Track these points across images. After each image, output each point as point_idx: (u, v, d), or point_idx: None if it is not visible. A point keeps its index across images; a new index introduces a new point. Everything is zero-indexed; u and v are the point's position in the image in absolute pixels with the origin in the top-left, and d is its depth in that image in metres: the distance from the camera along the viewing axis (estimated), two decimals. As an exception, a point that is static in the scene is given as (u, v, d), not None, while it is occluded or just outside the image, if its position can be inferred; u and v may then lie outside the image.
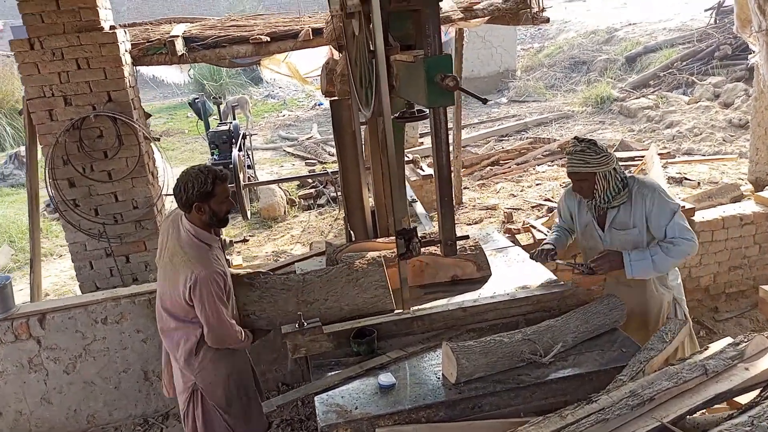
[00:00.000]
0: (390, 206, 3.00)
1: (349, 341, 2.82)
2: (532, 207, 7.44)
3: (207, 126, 10.66)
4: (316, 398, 2.53)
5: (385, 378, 2.55)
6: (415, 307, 3.04)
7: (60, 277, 7.45)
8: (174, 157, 15.28)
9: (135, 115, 4.89)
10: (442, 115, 2.58)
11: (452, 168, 8.16)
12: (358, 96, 3.59)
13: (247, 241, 6.72)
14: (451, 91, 2.43)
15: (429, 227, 5.39)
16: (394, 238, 2.99)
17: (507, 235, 6.23)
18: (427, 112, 2.71)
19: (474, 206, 7.92)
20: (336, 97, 4.10)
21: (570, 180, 3.14)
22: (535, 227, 4.80)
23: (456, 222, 7.89)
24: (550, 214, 6.28)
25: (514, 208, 7.44)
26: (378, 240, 3.81)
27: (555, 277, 3.40)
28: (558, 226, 3.57)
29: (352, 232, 4.22)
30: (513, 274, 3.52)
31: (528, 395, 2.49)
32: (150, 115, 5.46)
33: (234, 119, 10.99)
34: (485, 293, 3.30)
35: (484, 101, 2.57)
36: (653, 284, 3.14)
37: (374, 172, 4.04)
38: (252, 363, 3.36)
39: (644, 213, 3.01)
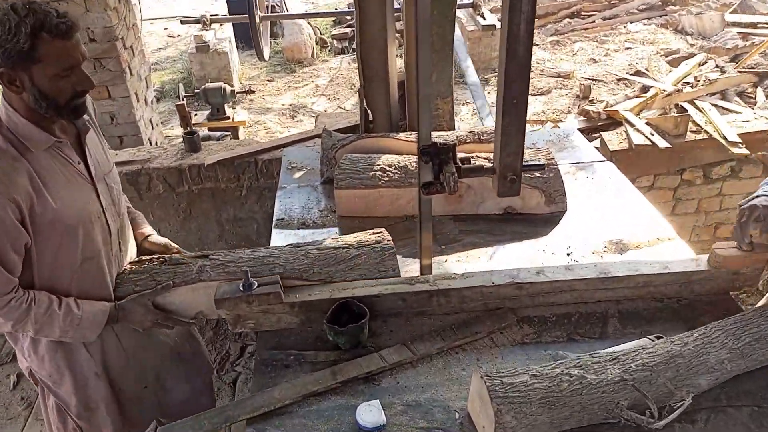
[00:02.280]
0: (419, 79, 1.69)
1: (326, 317, 1.72)
2: (618, 80, 5.83)
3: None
4: (247, 430, 1.50)
5: (369, 413, 1.47)
6: (439, 274, 1.86)
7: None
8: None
9: None
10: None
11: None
12: None
13: (252, 92, 5.45)
14: None
15: (482, 102, 4.02)
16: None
17: (582, 119, 4.82)
18: None
19: (542, 71, 6.32)
20: None
21: None
22: (630, 122, 3.38)
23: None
24: (645, 96, 4.76)
25: (593, 79, 5.86)
26: (401, 135, 2.54)
27: (674, 234, 2.14)
28: None
29: (369, 110, 2.93)
30: (602, 213, 2.27)
31: (615, 481, 1.40)
32: None
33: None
34: (554, 247, 2.09)
35: None
36: None
37: (407, 25, 2.64)
38: (183, 343, 2.10)
39: None
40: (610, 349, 1.62)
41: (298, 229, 2.25)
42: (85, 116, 1.67)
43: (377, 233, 1.97)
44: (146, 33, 8.49)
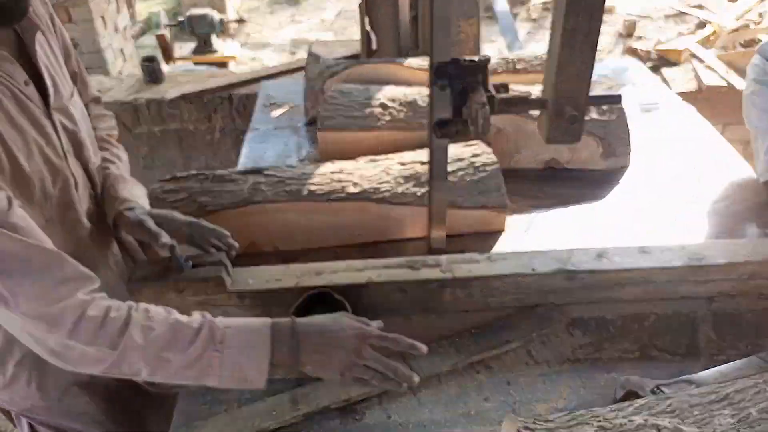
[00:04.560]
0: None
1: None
2: (666, 17, 5.08)
3: None
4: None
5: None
6: (455, 254, 1.30)
7: None
8: None
9: None
10: None
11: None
12: None
13: (244, 21, 4.79)
14: None
15: (511, 38, 3.37)
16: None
17: (629, 58, 4.16)
18: None
19: (577, 6, 5.57)
20: None
21: None
22: (699, 58, 2.73)
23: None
24: (706, 33, 4.06)
25: (639, 16, 5.12)
26: (410, 61, 1.94)
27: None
28: None
29: (372, 33, 2.33)
30: (679, 172, 1.69)
31: None
32: None
33: None
34: (616, 217, 1.53)
35: None
36: None
37: None
38: None
39: None
40: (706, 373, 1.10)
41: (269, 183, 1.70)
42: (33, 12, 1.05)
43: (472, 145, 1.53)
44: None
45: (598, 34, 1.06)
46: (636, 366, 1.17)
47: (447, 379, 1.14)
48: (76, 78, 1.24)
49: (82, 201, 1.16)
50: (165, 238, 1.14)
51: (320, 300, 1.21)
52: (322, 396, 1.10)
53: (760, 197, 1.58)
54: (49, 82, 1.08)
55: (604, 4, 1.04)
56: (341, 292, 1.20)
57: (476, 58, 1.12)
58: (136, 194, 1.25)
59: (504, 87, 1.19)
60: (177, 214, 1.22)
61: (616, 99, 1.18)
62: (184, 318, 0.94)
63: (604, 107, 1.66)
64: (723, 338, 1.22)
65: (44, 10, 1.15)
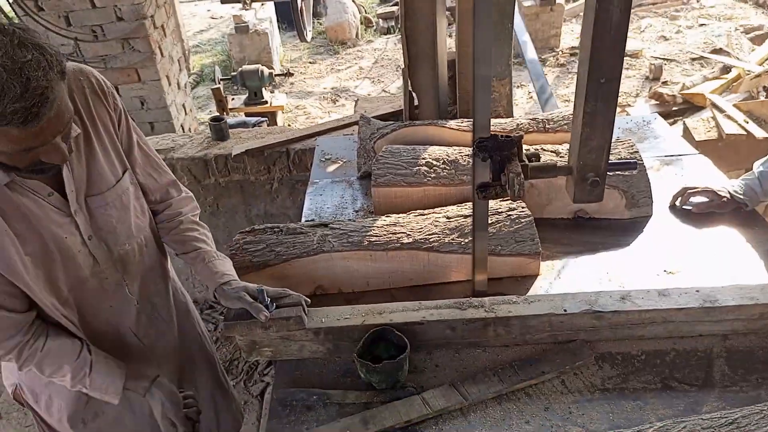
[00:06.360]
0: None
1: (356, 350, 1.40)
2: (693, 60, 5.26)
3: None
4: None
5: (406, 482, 1.16)
6: (496, 297, 1.51)
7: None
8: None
9: None
10: None
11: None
12: None
13: (291, 75, 5.15)
14: None
15: (542, 83, 3.60)
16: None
17: (654, 102, 4.36)
18: None
19: (605, 50, 5.80)
20: None
21: None
22: (719, 107, 2.91)
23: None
24: (726, 77, 4.23)
25: (665, 59, 5.30)
26: (450, 123, 2.18)
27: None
28: None
29: (414, 94, 2.59)
30: (698, 220, 1.86)
31: None
32: None
33: None
34: (639, 263, 1.71)
35: None
36: None
37: (461, -6, 2.27)
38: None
39: None
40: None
41: (330, 232, 1.94)
42: (73, 132, 1.20)
43: (508, 200, 1.75)
44: (189, 14, 8.34)
45: (615, 115, 1.28)
46: (657, 395, 1.34)
47: (493, 404, 1.33)
48: (136, 167, 1.43)
49: (106, 271, 1.41)
50: (264, 313, 1.36)
51: (382, 335, 1.43)
52: (387, 417, 1.30)
53: (771, 243, 1.74)
54: (69, 189, 1.28)
55: (618, 92, 1.27)
56: (400, 329, 1.42)
57: (511, 134, 1.35)
58: (228, 268, 1.48)
59: (536, 156, 1.41)
60: (266, 287, 1.41)
61: (632, 166, 1.39)
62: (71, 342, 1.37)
63: (625, 160, 1.86)
64: (736, 372, 1.38)
65: (105, 112, 1.33)
